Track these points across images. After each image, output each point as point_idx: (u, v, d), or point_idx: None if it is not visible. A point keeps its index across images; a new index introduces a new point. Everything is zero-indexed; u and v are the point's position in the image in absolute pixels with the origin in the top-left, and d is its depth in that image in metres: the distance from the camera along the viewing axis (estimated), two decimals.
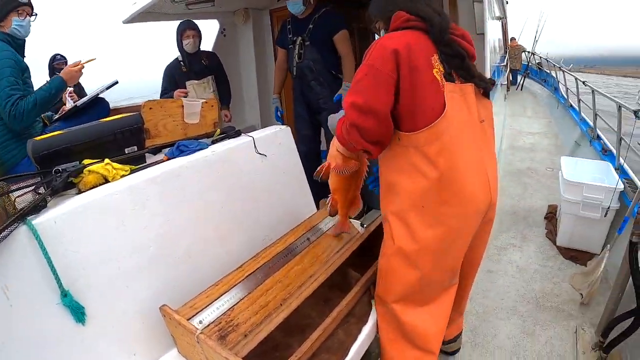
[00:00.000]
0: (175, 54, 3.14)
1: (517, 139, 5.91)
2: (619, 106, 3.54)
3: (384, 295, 1.42)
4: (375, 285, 1.47)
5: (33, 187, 1.32)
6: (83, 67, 2.12)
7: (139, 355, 1.29)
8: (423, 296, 1.39)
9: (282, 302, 1.29)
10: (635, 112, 2.94)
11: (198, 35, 3.10)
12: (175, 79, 3.13)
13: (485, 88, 1.38)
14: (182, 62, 3.12)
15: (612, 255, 2.25)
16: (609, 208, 2.54)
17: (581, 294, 2.26)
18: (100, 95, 2.16)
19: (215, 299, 1.25)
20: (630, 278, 1.62)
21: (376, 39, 1.30)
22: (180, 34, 3.01)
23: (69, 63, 3.59)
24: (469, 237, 1.35)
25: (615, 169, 3.10)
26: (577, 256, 2.72)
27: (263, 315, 1.22)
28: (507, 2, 9.63)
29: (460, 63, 1.30)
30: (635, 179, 2.99)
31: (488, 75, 2.43)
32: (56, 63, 3.78)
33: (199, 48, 3.18)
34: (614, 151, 3.59)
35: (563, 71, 7.98)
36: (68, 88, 2.25)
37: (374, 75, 1.19)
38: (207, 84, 3.16)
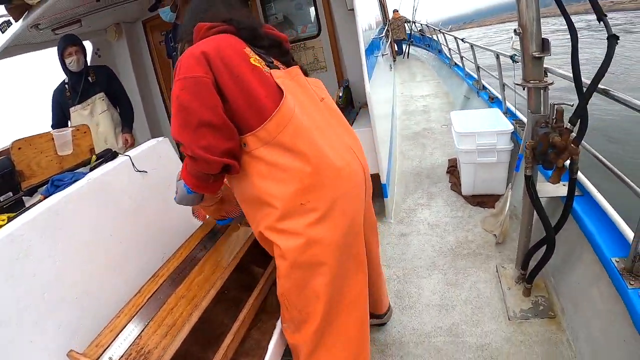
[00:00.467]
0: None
1: (410, 104, 6.17)
2: (497, 55, 3.81)
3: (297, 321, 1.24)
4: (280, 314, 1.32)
5: None
6: None
7: None
8: (340, 299, 1.22)
9: (190, 318, 1.26)
10: (511, 57, 3.12)
11: (82, 50, 2.83)
12: (61, 106, 2.85)
13: (304, 70, 1.36)
14: (66, 85, 2.84)
15: (515, 193, 2.38)
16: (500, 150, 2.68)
17: (494, 235, 2.39)
18: None
19: (120, 331, 1.20)
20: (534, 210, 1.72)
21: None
22: (61, 53, 2.74)
23: None
24: (360, 215, 1.26)
25: (504, 113, 3.32)
26: (483, 201, 2.86)
27: (173, 336, 1.19)
28: None
29: (280, 50, 1.30)
30: (523, 117, 3.13)
31: (363, 48, 2.50)
32: None
33: (86, 64, 2.88)
34: (500, 97, 3.83)
35: (443, 33, 8.51)
36: None
37: (190, 86, 1.07)
38: (92, 104, 2.87)
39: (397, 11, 12.57)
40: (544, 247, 1.74)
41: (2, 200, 1.42)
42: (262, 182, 1.12)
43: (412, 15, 12.73)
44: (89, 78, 2.87)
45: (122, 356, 1.13)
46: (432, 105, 5.92)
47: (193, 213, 1.61)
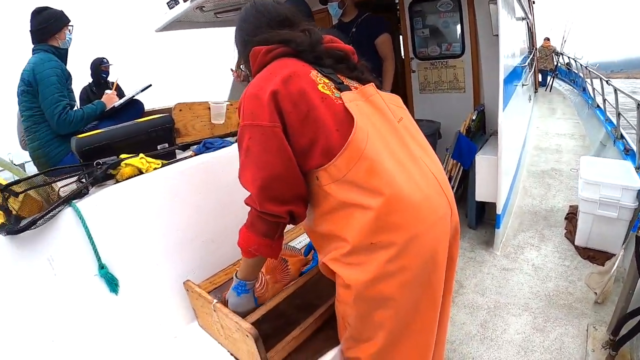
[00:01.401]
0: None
1: (544, 140, 5.82)
2: (638, 104, 3.48)
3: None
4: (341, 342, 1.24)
5: (77, 178, 1.51)
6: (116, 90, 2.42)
7: (164, 326, 1.45)
8: (405, 329, 1.13)
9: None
10: None
11: None
12: None
13: (377, 85, 1.20)
14: None
15: (627, 254, 2.24)
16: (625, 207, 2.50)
17: (595, 293, 2.25)
18: (135, 97, 2.38)
19: (232, 277, 1.39)
20: None
21: (263, 71, 1.12)
22: None
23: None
24: (442, 251, 1.11)
25: (636, 169, 3.05)
26: (594, 256, 2.68)
27: (275, 291, 1.35)
28: (534, 2, 9.47)
29: (347, 64, 1.17)
30: None
31: (502, 77, 2.47)
32: (103, 66, 4.09)
33: None
34: (636, 150, 3.52)
35: (589, 71, 7.82)
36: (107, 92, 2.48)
37: (257, 136, 1.01)
38: None
39: (549, 40, 11.69)
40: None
41: (159, 148, 1.72)
42: (332, 217, 1.07)
43: (561, 47, 11.76)
44: None
45: None
46: (566, 145, 5.50)
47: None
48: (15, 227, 1.17)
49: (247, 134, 1.03)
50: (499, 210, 2.69)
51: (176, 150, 1.77)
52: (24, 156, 2.82)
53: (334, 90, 1.07)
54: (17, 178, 2.11)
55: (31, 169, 2.73)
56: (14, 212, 1.26)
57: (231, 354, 1.32)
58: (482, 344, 2.01)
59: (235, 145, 1.67)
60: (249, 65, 1.18)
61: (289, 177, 1.02)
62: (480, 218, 3.23)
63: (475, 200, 2.92)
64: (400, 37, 4.10)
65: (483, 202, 2.98)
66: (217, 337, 1.37)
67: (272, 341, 1.22)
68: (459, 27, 3.57)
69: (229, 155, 1.63)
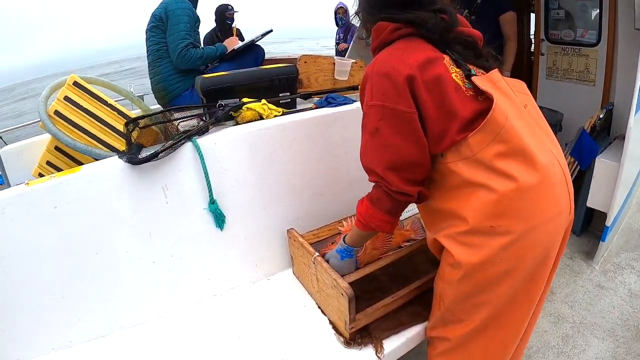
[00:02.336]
0: None
1: None
2: None
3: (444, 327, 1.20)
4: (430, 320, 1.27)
5: (199, 116, 1.60)
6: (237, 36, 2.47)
7: (260, 268, 1.54)
8: (498, 318, 1.13)
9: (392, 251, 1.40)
10: None
11: None
12: None
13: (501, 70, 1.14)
14: None
15: None
16: None
17: None
18: (257, 43, 2.44)
19: (336, 234, 1.43)
20: None
21: (389, 48, 1.07)
22: None
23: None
24: (555, 247, 1.08)
25: None
26: None
27: (374, 257, 1.36)
28: None
29: (474, 52, 1.10)
30: None
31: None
32: (227, 13, 4.25)
33: None
34: None
35: None
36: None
37: (390, 118, 0.99)
38: None
39: None
40: None
41: (280, 96, 1.76)
42: (452, 194, 1.05)
43: None
44: None
45: (331, 244, 1.37)
46: None
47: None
48: (137, 157, 1.26)
49: (378, 114, 1.00)
50: (608, 222, 2.47)
51: (297, 100, 1.80)
52: (143, 88, 3.05)
53: (464, 80, 1.03)
54: (136, 107, 2.31)
55: (148, 100, 2.93)
56: (134, 142, 1.37)
57: (318, 307, 1.37)
58: (558, 358, 1.92)
59: (357, 104, 1.67)
60: (368, 27, 1.15)
61: (421, 162, 1.01)
62: (587, 226, 3.00)
63: (586, 206, 2.71)
64: (532, 15, 3.77)
65: (592, 210, 2.75)
66: (308, 288, 1.43)
67: (361, 304, 1.24)
68: (597, 13, 3.20)
69: (350, 113, 1.63)
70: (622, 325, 2.14)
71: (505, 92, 1.04)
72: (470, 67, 1.07)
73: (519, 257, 1.01)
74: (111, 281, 1.32)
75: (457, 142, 0.98)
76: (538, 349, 1.98)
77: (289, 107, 1.71)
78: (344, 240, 1.27)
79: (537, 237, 1.00)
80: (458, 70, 1.03)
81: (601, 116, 2.81)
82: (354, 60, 2.09)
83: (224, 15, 4.21)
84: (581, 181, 2.80)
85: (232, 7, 4.25)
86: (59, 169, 1.75)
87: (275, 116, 1.54)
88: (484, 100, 1.00)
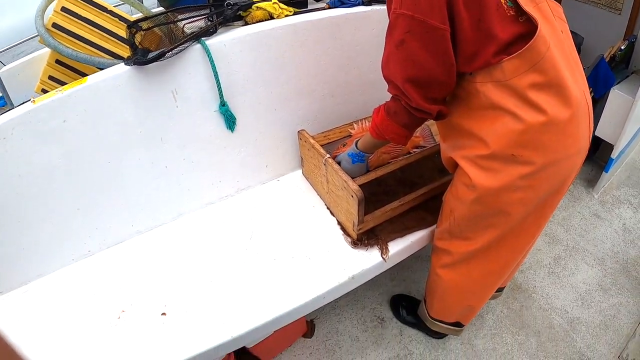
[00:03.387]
0: None
1: None
2: None
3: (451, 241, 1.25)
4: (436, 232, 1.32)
5: (205, 16, 1.53)
6: None
7: (270, 169, 1.56)
8: (502, 242, 1.17)
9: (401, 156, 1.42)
10: None
11: None
12: None
13: None
14: None
15: None
16: None
17: None
18: None
19: (346, 136, 1.43)
20: None
21: None
22: None
23: None
24: (570, 180, 1.09)
25: None
26: None
27: (384, 161, 1.38)
28: None
29: None
30: None
31: None
32: None
33: None
34: None
35: None
36: None
37: (420, 32, 0.89)
38: None
39: None
40: None
41: None
42: (476, 115, 1.00)
43: None
44: None
45: (342, 146, 1.38)
46: None
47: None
48: (143, 58, 1.21)
49: (406, 26, 0.89)
50: (614, 154, 2.48)
51: (308, 1, 1.72)
52: None
53: None
54: (137, 12, 2.20)
55: (149, 3, 2.78)
56: (138, 45, 1.30)
57: (327, 207, 1.41)
58: (548, 277, 2.02)
59: (372, 6, 1.60)
60: None
61: (447, 81, 0.94)
62: (592, 154, 3.01)
63: (594, 134, 2.70)
64: None
65: (600, 139, 2.75)
66: (318, 189, 1.45)
67: (369, 206, 1.27)
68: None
69: (364, 15, 1.56)
70: (612, 257, 2.22)
71: (547, 15, 0.95)
72: None
73: (535, 188, 1.02)
74: (125, 189, 1.34)
75: (490, 65, 0.91)
76: (530, 266, 2.07)
77: (301, 6, 1.62)
78: (356, 145, 1.27)
79: (556, 170, 1.01)
80: None
81: (622, 47, 2.71)
82: None
83: None
84: (593, 109, 2.76)
85: None
86: (62, 83, 1.68)
87: (287, 16, 1.47)
88: (525, 22, 0.90)
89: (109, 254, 1.36)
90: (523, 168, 0.98)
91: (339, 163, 1.30)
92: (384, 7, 1.58)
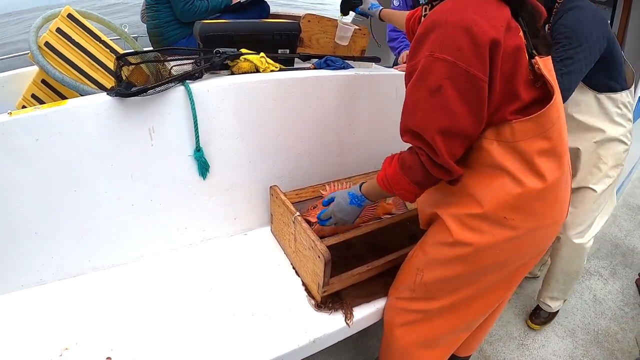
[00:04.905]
0: None
1: None
2: None
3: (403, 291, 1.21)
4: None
5: (193, 60, 1.54)
6: None
7: (238, 221, 1.52)
8: (469, 303, 1.13)
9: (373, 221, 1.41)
10: None
11: None
12: None
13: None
14: None
15: None
16: None
17: None
18: None
19: (318, 197, 1.42)
20: None
21: None
22: None
23: None
24: (546, 246, 1.09)
25: None
26: None
27: (356, 225, 1.35)
28: None
29: (538, 28, 0.97)
30: None
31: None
32: None
33: None
34: None
35: None
36: None
37: (461, 82, 0.83)
38: None
39: None
40: None
41: (279, 52, 1.71)
42: (475, 173, 0.97)
43: None
44: None
45: (312, 208, 1.36)
46: None
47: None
48: (125, 90, 1.21)
49: (446, 72, 0.83)
50: None
51: (295, 60, 1.76)
52: (138, 30, 2.93)
53: (527, 54, 0.91)
54: (129, 47, 2.23)
55: (143, 42, 2.82)
56: (124, 78, 1.31)
57: (293, 267, 1.37)
58: (518, 350, 1.99)
59: (356, 70, 1.63)
60: None
61: (473, 136, 0.91)
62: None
63: None
64: None
65: None
66: (285, 247, 1.42)
67: (336, 269, 1.24)
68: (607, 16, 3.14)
69: (348, 79, 1.59)
70: (583, 328, 2.22)
71: (554, 82, 0.95)
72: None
73: (517, 252, 1.01)
74: (87, 220, 1.29)
75: (505, 122, 0.90)
76: (500, 338, 2.03)
77: (287, 64, 1.66)
78: (360, 188, 1.18)
79: (539, 237, 1.01)
80: (525, 42, 0.92)
81: None
82: (357, 26, 2.04)
83: None
84: None
85: None
86: (43, 103, 1.68)
87: (272, 71, 1.50)
88: (540, 88, 0.92)
89: (61, 285, 1.29)
90: (510, 232, 0.97)
91: (332, 199, 1.24)
92: (368, 73, 1.62)
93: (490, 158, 0.93)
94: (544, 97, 0.91)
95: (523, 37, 0.91)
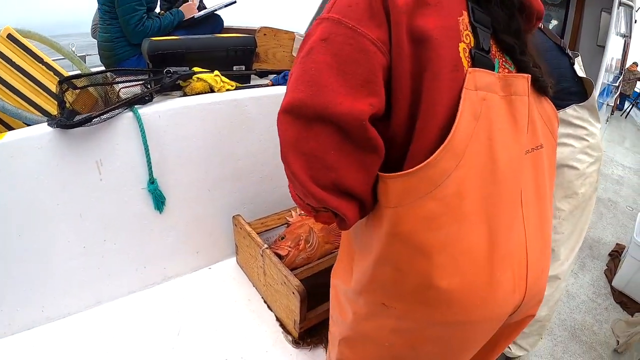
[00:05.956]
0: None
1: (607, 167, 5.51)
2: None
3: None
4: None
5: (142, 82, 1.43)
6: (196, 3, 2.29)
7: (202, 254, 1.42)
8: None
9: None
10: None
11: None
12: None
13: (542, 85, 0.71)
14: None
15: None
16: None
17: (617, 341, 2.19)
18: (216, 12, 2.26)
19: (284, 224, 1.33)
20: None
21: None
22: None
23: None
24: (470, 350, 0.73)
25: None
26: (627, 303, 2.58)
27: (327, 251, 1.28)
28: (635, 22, 8.79)
29: (512, 28, 0.66)
30: None
31: (597, 91, 2.24)
32: None
33: None
34: None
35: None
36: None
37: (343, 43, 0.55)
38: None
39: (637, 65, 10.96)
40: None
41: (234, 69, 1.61)
42: (357, 237, 0.73)
43: None
44: None
45: (280, 239, 1.26)
46: (629, 180, 5.20)
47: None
48: (68, 121, 1.10)
49: (327, 31, 0.56)
50: None
51: (251, 76, 1.67)
52: (86, 48, 2.78)
53: (468, 58, 0.60)
54: (76, 68, 2.08)
55: (91, 61, 2.67)
56: (68, 105, 1.19)
57: (264, 301, 1.27)
58: (501, 356, 1.96)
59: None
60: None
61: (352, 134, 0.56)
62: None
63: None
64: None
65: None
66: (254, 281, 1.32)
67: (309, 301, 1.15)
68: (559, 24, 3.26)
69: None
70: (560, 325, 2.24)
71: (515, 115, 0.64)
72: (495, 50, 0.66)
73: (407, 348, 0.72)
74: (37, 267, 1.17)
75: (389, 175, 0.59)
76: None
77: (243, 81, 1.57)
78: None
79: (439, 335, 0.69)
80: (471, 39, 0.61)
81: None
82: None
83: None
84: None
85: None
86: None
87: (228, 90, 1.41)
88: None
89: (14, 340, 1.16)
90: (389, 322, 0.70)
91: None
92: None
93: (378, 221, 0.64)
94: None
95: (466, 28, 0.61)
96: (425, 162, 0.56)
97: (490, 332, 0.72)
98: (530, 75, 0.67)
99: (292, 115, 0.57)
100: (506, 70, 0.66)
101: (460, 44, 0.59)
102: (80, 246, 1.21)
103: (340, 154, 0.56)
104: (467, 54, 0.60)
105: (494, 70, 0.62)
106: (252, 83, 1.58)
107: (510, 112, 0.64)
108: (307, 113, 0.55)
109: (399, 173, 0.58)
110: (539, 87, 0.71)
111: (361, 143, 0.56)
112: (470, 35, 0.61)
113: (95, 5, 2.36)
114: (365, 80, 0.55)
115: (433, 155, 0.56)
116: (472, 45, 0.61)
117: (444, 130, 0.57)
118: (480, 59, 0.61)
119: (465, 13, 0.61)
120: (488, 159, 0.60)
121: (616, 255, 3.06)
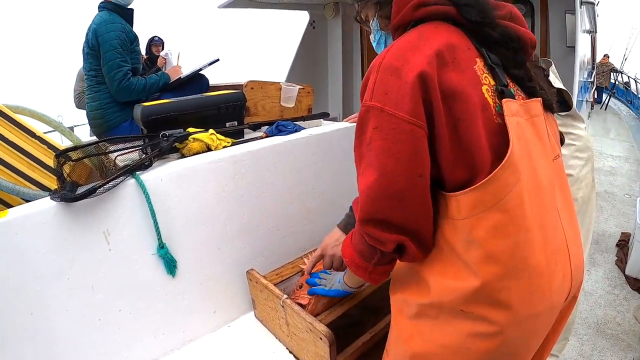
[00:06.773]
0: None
1: (597, 161, 5.59)
2: None
3: None
4: None
5: (140, 148, 1.45)
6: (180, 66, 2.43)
7: (219, 313, 1.40)
8: None
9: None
10: None
11: None
12: None
13: (547, 103, 0.85)
14: None
15: None
16: None
17: None
18: (201, 72, 2.33)
19: (299, 272, 1.34)
20: None
21: (409, 34, 0.76)
22: None
23: (165, 44, 3.90)
24: (537, 340, 0.83)
25: None
26: None
27: (326, 307, 1.27)
28: (598, 16, 9.13)
29: (518, 60, 0.80)
30: None
31: (576, 92, 2.31)
32: (153, 44, 4.07)
33: None
34: None
35: None
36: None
37: (388, 130, 0.69)
38: None
39: (608, 57, 11.30)
40: None
41: (227, 125, 1.65)
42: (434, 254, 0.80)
43: (621, 65, 11.33)
44: None
45: (299, 288, 1.27)
46: (620, 169, 5.29)
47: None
48: (71, 194, 1.10)
49: (376, 121, 0.71)
50: None
51: (244, 130, 1.70)
52: (73, 119, 2.82)
53: (494, 96, 0.74)
54: (67, 140, 2.11)
55: (79, 132, 2.71)
56: (67, 177, 1.21)
57: (290, 351, 1.26)
58: None
59: (309, 131, 1.60)
60: (382, 8, 0.89)
61: (410, 196, 0.71)
62: None
63: None
64: None
65: None
66: (276, 333, 1.31)
67: (337, 343, 1.15)
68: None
69: (302, 142, 1.56)
70: (583, 324, 2.25)
71: (540, 133, 0.79)
72: (511, 83, 0.78)
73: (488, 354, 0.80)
74: (51, 344, 1.14)
75: (452, 193, 0.73)
76: None
77: (238, 137, 1.61)
78: (344, 279, 1.16)
79: (514, 336, 0.78)
80: (491, 81, 0.75)
81: None
82: (300, 86, 2.03)
83: (150, 46, 4.05)
84: None
85: (159, 39, 4.10)
86: None
87: (225, 147, 1.44)
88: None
89: None
90: (475, 326, 0.76)
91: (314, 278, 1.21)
92: (321, 132, 1.60)
93: (444, 237, 0.76)
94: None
95: (485, 72, 0.75)
96: (487, 177, 0.68)
97: (551, 321, 0.83)
98: (541, 98, 0.82)
99: (367, 195, 0.73)
100: (521, 97, 0.80)
101: (482, 87, 0.73)
102: (95, 318, 1.19)
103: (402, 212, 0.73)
104: (490, 93, 0.73)
105: (514, 99, 0.75)
106: (246, 137, 1.61)
107: (535, 131, 0.78)
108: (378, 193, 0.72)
109: (467, 189, 0.70)
110: (546, 106, 0.85)
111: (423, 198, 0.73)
112: (489, 76, 0.75)
113: (71, 76, 2.43)
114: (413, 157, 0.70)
115: (493, 172, 0.68)
116: (493, 83, 0.75)
117: (494, 155, 0.71)
118: (506, 92, 0.74)
119: (479, 60, 0.75)
120: (532, 172, 0.73)
121: (624, 244, 3.08)
